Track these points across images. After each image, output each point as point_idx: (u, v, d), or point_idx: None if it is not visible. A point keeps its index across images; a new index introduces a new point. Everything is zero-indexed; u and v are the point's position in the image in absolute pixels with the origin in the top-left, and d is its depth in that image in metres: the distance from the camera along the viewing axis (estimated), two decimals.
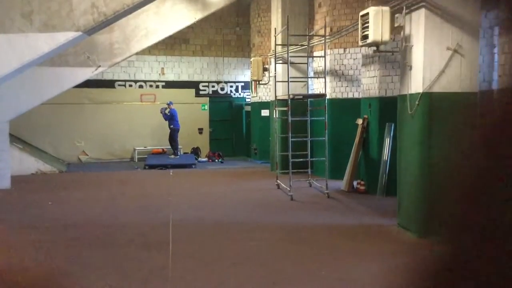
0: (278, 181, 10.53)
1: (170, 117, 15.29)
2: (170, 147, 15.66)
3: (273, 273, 5.06)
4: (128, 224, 7.32)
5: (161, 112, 15.35)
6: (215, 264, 5.37)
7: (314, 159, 10.91)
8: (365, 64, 10.05)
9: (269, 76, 14.31)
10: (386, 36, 6.96)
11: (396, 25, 6.68)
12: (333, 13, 11.16)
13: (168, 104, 15.41)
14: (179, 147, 15.79)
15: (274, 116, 11.59)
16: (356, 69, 11.25)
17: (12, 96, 10.92)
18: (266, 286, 4.79)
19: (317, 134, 10.83)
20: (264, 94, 15.77)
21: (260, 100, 15.94)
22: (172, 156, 15.34)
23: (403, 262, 5.37)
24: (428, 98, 6.21)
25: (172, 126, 15.32)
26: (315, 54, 11.87)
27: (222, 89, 18.01)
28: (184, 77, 17.48)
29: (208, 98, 17.70)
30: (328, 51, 10.99)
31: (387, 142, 9.31)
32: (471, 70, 6.25)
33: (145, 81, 17.10)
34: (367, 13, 7.02)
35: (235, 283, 4.83)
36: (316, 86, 12.07)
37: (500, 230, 0.59)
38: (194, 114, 17.26)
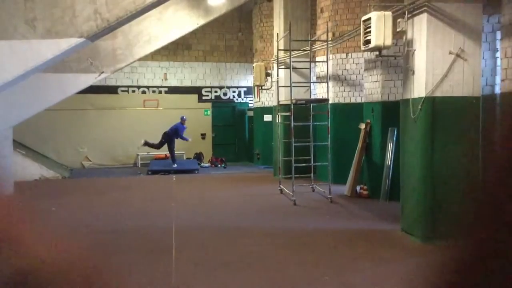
0: (281, 186, 10.52)
1: (174, 131, 14.94)
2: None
3: (276, 278, 5.05)
4: (131, 230, 7.32)
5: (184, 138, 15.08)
6: (218, 270, 5.35)
7: (317, 164, 10.89)
8: (368, 68, 10.05)
9: (272, 81, 14.31)
10: (389, 41, 6.95)
11: (398, 29, 6.68)
12: (335, 18, 11.17)
13: (181, 118, 15.15)
14: (176, 153, 15.44)
15: (277, 121, 11.59)
16: (359, 73, 11.25)
17: (15, 102, 10.94)
18: None
19: (320, 139, 10.82)
20: (266, 99, 15.78)
21: (262, 105, 15.96)
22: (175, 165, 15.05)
23: (406, 268, 5.35)
24: (431, 102, 6.20)
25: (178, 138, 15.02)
26: (317, 59, 11.88)
27: (225, 94, 18.03)
28: (187, 83, 17.52)
29: (211, 104, 17.73)
30: (330, 56, 11.00)
31: (390, 146, 9.29)
32: (473, 75, 6.24)
33: (148, 87, 17.14)
34: (369, 18, 7.02)
35: None
36: (319, 91, 12.08)
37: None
38: (197, 119, 17.27)
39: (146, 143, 14.91)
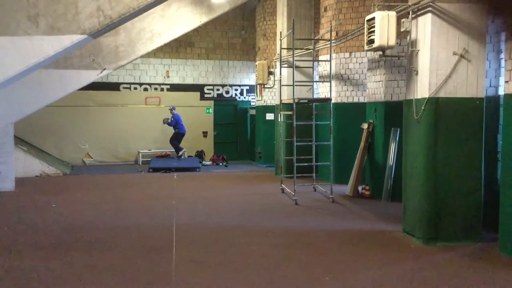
0: (283, 185, 10.50)
1: (175, 122, 15.23)
2: (174, 150, 15.67)
3: (277, 278, 5.02)
4: (131, 228, 7.30)
5: (164, 123, 15.30)
6: (218, 269, 5.33)
7: (319, 163, 10.87)
8: (371, 68, 10.01)
9: (274, 80, 14.29)
10: (392, 41, 6.91)
11: (402, 29, 6.64)
12: (339, 17, 11.13)
13: (171, 110, 15.38)
14: (184, 150, 15.72)
15: (279, 120, 11.56)
16: (362, 73, 11.22)
17: (17, 98, 10.94)
18: None
19: (322, 139, 10.80)
20: (269, 97, 15.76)
21: (265, 104, 15.94)
22: (177, 156, 15.35)
23: (408, 269, 5.32)
24: (434, 103, 6.17)
25: (177, 130, 15.29)
26: (320, 58, 11.85)
27: (227, 92, 18.02)
28: (189, 80, 17.52)
29: (213, 101, 17.74)
30: (333, 55, 10.97)
31: (393, 147, 9.27)
32: (477, 76, 6.21)
33: (150, 84, 17.14)
34: (373, 18, 6.98)
35: None
36: (322, 90, 12.04)
37: None
38: (199, 117, 17.29)
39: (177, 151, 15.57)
